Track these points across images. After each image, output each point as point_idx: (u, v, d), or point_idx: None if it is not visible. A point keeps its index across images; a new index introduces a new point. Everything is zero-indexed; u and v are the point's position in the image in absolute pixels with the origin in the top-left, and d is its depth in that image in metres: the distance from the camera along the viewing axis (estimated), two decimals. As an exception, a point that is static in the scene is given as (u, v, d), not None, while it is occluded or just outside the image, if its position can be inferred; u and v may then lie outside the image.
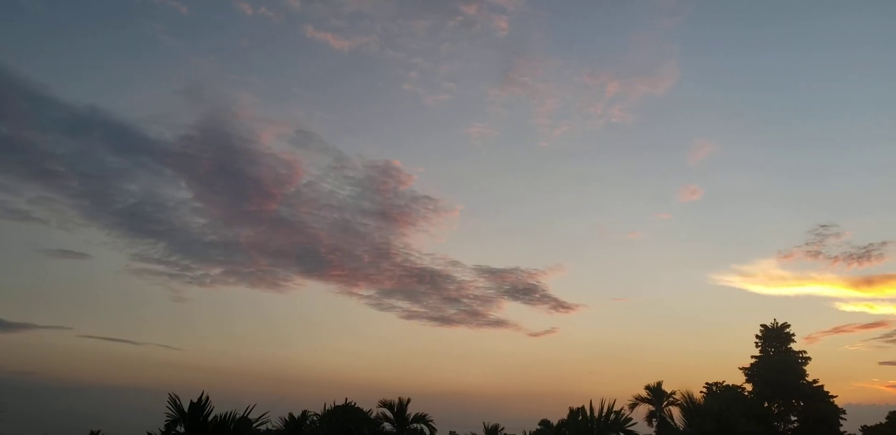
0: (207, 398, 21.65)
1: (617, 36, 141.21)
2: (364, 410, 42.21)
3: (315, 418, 38.36)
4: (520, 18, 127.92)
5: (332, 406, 37.33)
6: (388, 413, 41.90)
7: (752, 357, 63.74)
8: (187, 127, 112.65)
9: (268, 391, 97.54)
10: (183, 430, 22.07)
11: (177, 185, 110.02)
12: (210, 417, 21.46)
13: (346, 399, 38.06)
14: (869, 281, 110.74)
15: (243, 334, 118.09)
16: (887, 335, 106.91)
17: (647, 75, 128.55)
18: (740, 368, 63.78)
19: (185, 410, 21.68)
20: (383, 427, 42.23)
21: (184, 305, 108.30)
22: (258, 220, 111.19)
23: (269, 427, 37.30)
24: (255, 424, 22.86)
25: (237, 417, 21.64)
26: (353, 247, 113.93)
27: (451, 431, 65.29)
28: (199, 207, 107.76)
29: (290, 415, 38.08)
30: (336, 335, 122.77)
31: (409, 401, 42.21)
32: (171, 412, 22.36)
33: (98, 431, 45.25)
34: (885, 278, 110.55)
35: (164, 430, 23.22)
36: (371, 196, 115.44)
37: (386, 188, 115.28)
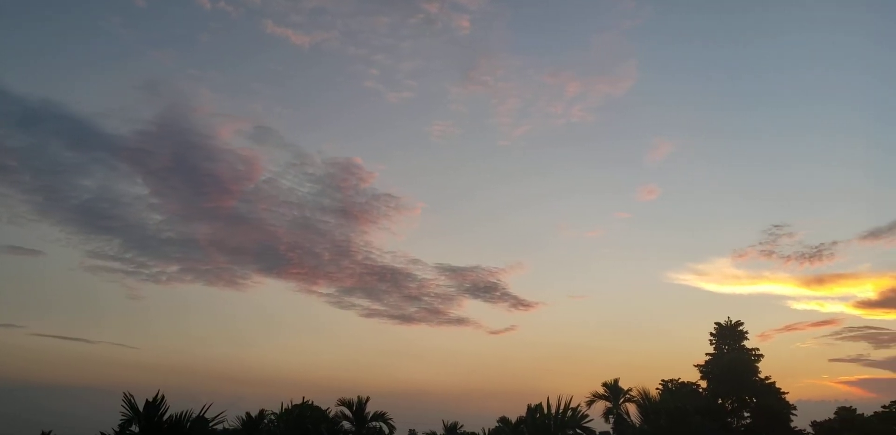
0: (163, 397, 21.37)
1: (578, 36, 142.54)
2: (323, 408, 42.00)
3: (273, 417, 38.06)
4: (482, 17, 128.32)
5: (290, 405, 37.05)
6: (347, 412, 41.78)
7: (707, 355, 64.88)
8: (144, 122, 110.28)
9: (225, 390, 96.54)
10: (137, 429, 21.75)
11: (133, 181, 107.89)
12: (165, 417, 21.19)
13: (304, 398, 37.82)
14: (820, 280, 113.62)
15: (200, 333, 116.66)
16: (837, 333, 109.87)
17: (607, 76, 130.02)
18: (695, 366, 64.84)
19: (140, 409, 21.36)
20: (342, 426, 42.04)
21: (139, 303, 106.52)
22: (216, 216, 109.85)
23: (226, 426, 36.90)
24: (211, 424, 22.63)
25: (193, 416, 21.39)
26: (313, 244, 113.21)
27: (410, 430, 65.30)
28: (156, 203, 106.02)
29: (248, 414, 37.75)
30: (295, 334, 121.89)
31: (368, 399, 42.18)
32: (125, 412, 22.00)
33: (49, 432, 44.22)
34: (836, 277, 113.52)
35: (118, 430, 22.80)
36: (331, 193, 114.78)
37: (346, 185, 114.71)
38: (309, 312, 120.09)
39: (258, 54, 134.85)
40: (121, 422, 22.68)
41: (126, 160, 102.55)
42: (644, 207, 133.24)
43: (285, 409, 38.00)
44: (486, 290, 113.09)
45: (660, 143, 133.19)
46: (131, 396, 21.71)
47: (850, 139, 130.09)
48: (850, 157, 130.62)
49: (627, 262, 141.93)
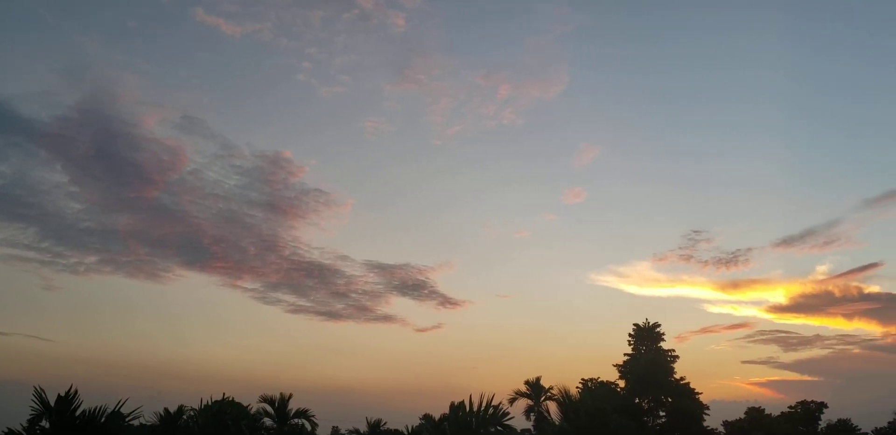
0: (76, 392, 20.71)
1: (511, 40, 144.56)
2: (244, 405, 41.34)
3: (193, 413, 37.25)
4: (417, 16, 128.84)
5: (210, 401, 36.32)
6: (269, 408, 41.31)
7: (626, 355, 66.57)
8: (66, 107, 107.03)
9: (144, 385, 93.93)
10: (48, 425, 21.01)
11: (51, 168, 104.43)
12: (78, 412, 20.54)
13: (224, 394, 37.13)
14: (735, 284, 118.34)
15: (119, 326, 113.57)
16: (749, 336, 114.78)
17: (538, 80, 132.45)
18: (614, 365, 66.50)
19: (52, 404, 20.65)
20: (263, 422, 41.53)
21: (55, 295, 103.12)
22: (138, 207, 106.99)
23: (143, 422, 35.95)
24: (127, 419, 22.05)
25: (108, 411, 20.81)
26: (239, 238, 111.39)
27: (333, 427, 65.08)
28: (75, 192, 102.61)
29: (166, 410, 36.84)
30: (218, 329, 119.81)
31: (290, 396, 41.79)
32: (35, 406, 21.20)
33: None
34: (749, 282, 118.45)
35: (26, 425, 21.97)
36: (259, 187, 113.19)
37: (275, 179, 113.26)
38: (233, 307, 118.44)
39: (188, 43, 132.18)
40: (30, 417, 21.85)
41: (45, 146, 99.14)
42: (570, 210, 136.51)
43: (205, 405, 37.26)
44: (415, 287, 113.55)
45: (587, 147, 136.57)
46: (42, 390, 20.96)
47: (767, 150, 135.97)
48: (768, 166, 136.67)
49: (553, 262, 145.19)
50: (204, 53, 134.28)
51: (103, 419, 20.51)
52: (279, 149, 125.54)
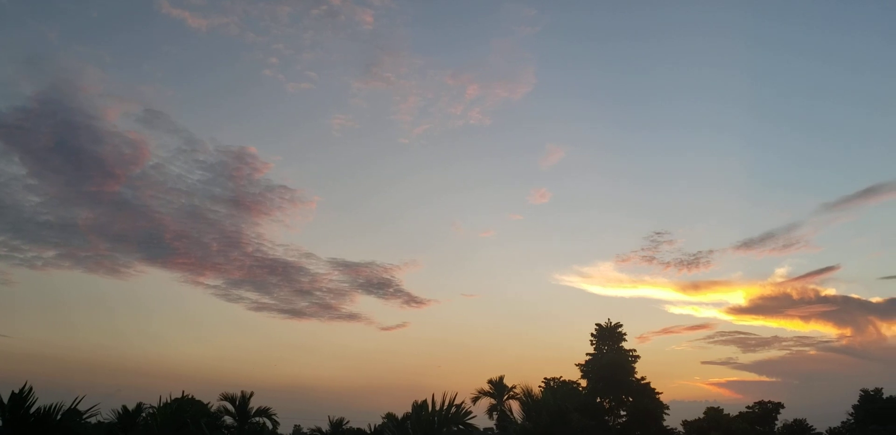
0: (31, 389, 20.21)
1: (479, 40, 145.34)
2: (204, 402, 40.86)
3: (153, 410, 36.72)
4: (385, 14, 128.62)
5: (169, 399, 35.83)
6: (230, 406, 40.89)
7: (588, 354, 67.30)
8: (24, 98, 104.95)
9: (103, 382, 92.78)
10: (0, 423, 20.52)
11: (9, 160, 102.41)
12: (33, 410, 20.07)
13: (184, 392, 36.66)
14: (696, 286, 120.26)
15: (77, 322, 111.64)
16: (709, 337, 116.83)
17: (505, 80, 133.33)
18: (577, 365, 67.15)
19: (5, 401, 20.17)
20: (224, 421, 41.11)
21: (11, 289, 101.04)
22: (99, 201, 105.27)
23: (101, 420, 35.42)
24: (84, 417, 21.65)
25: (64, 408, 20.38)
26: (202, 234, 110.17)
27: (295, 425, 64.67)
28: (34, 185, 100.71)
29: (124, 407, 36.35)
30: (179, 325, 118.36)
31: (252, 394, 41.42)
32: (-13, 404, 20.68)
33: None
34: (710, 284, 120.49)
35: (-22, 423, 21.45)
36: (223, 182, 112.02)
37: (240, 175, 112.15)
38: (194, 304, 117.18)
39: (152, 35, 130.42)
40: (-18, 415, 21.33)
41: (2, 137, 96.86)
42: (536, 210, 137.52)
43: (164, 403, 36.77)
44: (380, 286, 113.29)
45: (553, 149, 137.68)
46: (-5, 387, 20.47)
47: (730, 154, 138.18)
48: (730, 170, 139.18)
49: (518, 262, 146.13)
50: (169, 46, 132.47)
51: (59, 417, 20.06)
52: (244, 144, 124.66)
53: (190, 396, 36.90)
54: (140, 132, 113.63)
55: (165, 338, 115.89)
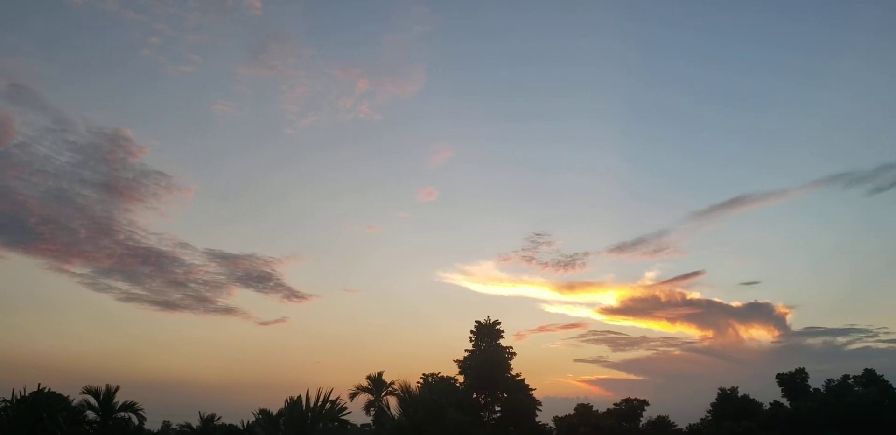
0: None
1: (371, 35, 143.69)
2: (65, 396, 38.72)
3: (6, 404, 34.43)
4: (275, 1, 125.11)
5: (24, 392, 33.69)
6: (93, 401, 38.97)
7: (466, 351, 68.28)
8: None
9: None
10: None
11: None
12: None
13: (39, 384, 34.54)
14: (571, 286, 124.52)
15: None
16: (582, 336, 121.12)
17: (395, 77, 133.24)
18: (455, 361, 68.00)
19: None
20: (85, 416, 39.11)
21: None
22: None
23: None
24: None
25: None
26: (69, 219, 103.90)
27: (164, 421, 62.18)
28: None
29: (-28, 402, 33.90)
30: (41, 314, 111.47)
31: (118, 388, 39.66)
32: None
33: None
34: (585, 285, 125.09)
35: None
36: (94, 166, 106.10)
37: (113, 158, 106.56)
38: (59, 293, 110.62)
39: (22, 5, 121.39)
40: None
41: None
42: (422, 208, 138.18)
43: (20, 396, 34.55)
44: (260, 279, 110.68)
45: (440, 148, 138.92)
46: None
47: (607, 159, 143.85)
48: (607, 175, 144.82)
49: (403, 259, 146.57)
50: (40, 20, 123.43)
51: None
52: (119, 127, 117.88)
53: (47, 389, 34.86)
54: (3, 108, 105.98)
55: (26, 327, 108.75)
